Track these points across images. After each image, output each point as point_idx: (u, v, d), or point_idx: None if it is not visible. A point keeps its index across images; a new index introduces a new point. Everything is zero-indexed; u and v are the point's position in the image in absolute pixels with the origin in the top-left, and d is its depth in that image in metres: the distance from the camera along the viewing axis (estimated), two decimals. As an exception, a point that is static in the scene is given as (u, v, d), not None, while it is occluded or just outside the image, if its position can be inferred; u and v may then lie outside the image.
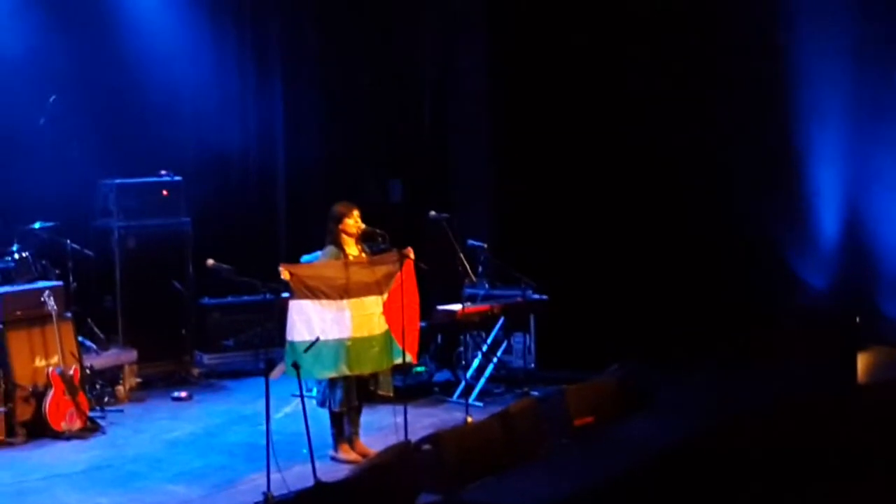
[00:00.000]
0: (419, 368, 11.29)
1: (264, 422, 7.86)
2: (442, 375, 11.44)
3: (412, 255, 8.91)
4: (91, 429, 9.81)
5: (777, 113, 11.50)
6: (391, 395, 9.02)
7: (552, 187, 12.05)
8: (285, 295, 8.69)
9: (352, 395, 8.78)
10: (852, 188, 11.32)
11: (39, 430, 9.62)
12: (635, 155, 11.85)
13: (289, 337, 8.45)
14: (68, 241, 10.76)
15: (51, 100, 10.84)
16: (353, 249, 8.94)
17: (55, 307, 9.80)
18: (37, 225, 10.57)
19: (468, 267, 10.31)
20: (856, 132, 11.27)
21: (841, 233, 11.38)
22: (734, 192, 11.54)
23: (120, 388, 10.85)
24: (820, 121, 11.38)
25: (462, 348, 11.32)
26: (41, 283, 10.14)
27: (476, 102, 12.87)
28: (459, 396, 10.56)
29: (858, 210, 11.29)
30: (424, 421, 9.84)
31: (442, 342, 11.42)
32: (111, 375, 10.84)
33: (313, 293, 8.49)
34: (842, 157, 11.33)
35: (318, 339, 8.39)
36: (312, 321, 8.47)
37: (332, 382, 8.72)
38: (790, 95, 11.46)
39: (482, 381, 10.81)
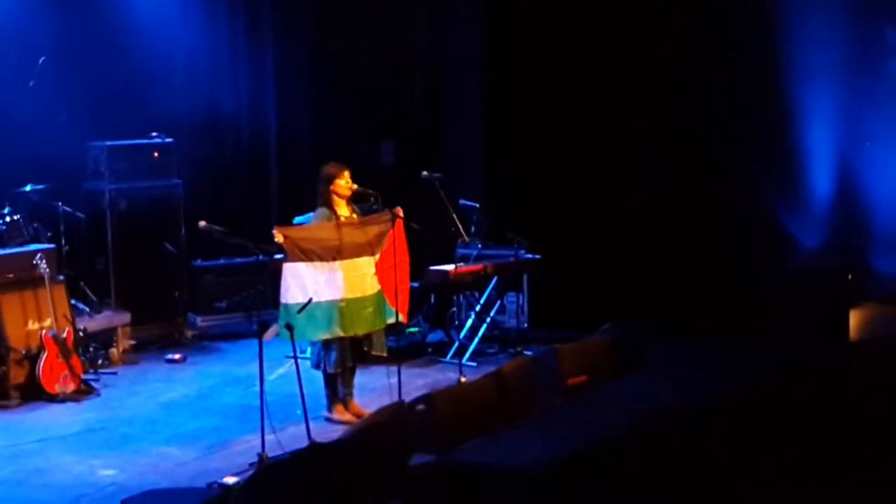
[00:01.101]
0: (412, 329, 11.31)
1: (258, 383, 7.89)
2: (435, 336, 11.47)
3: (402, 214, 8.90)
4: (85, 391, 9.84)
5: (768, 72, 11.46)
6: (384, 355, 9.05)
7: (545, 147, 12.03)
8: (277, 256, 8.68)
9: (346, 357, 8.81)
10: (844, 146, 11.31)
11: (33, 393, 9.64)
12: (628, 116, 11.82)
13: (283, 299, 8.46)
14: (60, 204, 10.75)
15: (40, 62, 10.79)
16: (343, 210, 8.93)
17: (47, 270, 9.80)
18: (28, 187, 10.56)
19: (461, 227, 10.32)
20: (847, 90, 11.23)
21: (833, 191, 11.37)
22: (726, 152, 11.51)
23: (113, 350, 10.87)
24: (811, 79, 11.34)
25: (455, 308, 11.36)
26: (33, 246, 10.14)
27: (468, 63, 12.82)
28: (453, 356, 10.60)
29: (850, 168, 11.27)
30: (418, 381, 9.89)
31: (435, 302, 11.44)
32: (104, 338, 10.86)
33: (307, 255, 8.49)
34: (834, 115, 11.31)
35: (310, 301, 8.40)
36: (306, 283, 8.47)
37: (326, 344, 8.74)
38: (781, 54, 11.41)
39: (475, 341, 10.83)
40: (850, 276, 10.75)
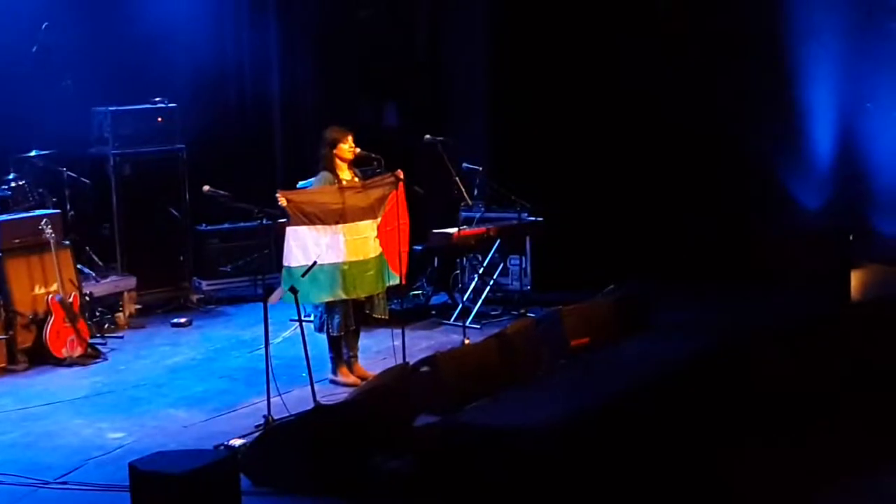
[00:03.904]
0: (416, 292, 11.36)
1: (263, 346, 7.94)
2: (439, 298, 11.51)
3: (402, 177, 8.93)
4: (92, 355, 9.91)
5: (770, 32, 11.45)
6: (386, 317, 9.11)
7: (548, 109, 12.03)
8: (282, 220, 8.72)
9: (349, 320, 8.85)
10: (846, 107, 11.31)
11: (41, 356, 9.71)
12: (631, 76, 11.82)
13: (285, 262, 8.50)
14: (64, 170, 10.77)
15: (43, 27, 10.79)
16: (346, 174, 8.96)
17: (53, 235, 9.84)
18: (33, 153, 10.58)
19: (464, 190, 10.34)
20: (849, 51, 11.23)
21: (835, 152, 11.38)
22: (728, 114, 11.52)
23: (120, 314, 10.93)
24: (813, 39, 11.33)
25: (458, 271, 11.40)
26: (39, 212, 10.17)
27: (471, 25, 12.80)
28: (456, 319, 10.64)
29: (852, 129, 11.28)
30: (422, 343, 9.93)
31: (438, 265, 11.47)
32: (111, 302, 10.91)
33: (310, 219, 8.53)
34: (835, 75, 11.30)
35: (314, 264, 8.44)
36: (309, 246, 8.51)
37: (329, 307, 8.79)
38: (783, 14, 11.41)
39: (479, 303, 10.89)
40: (851, 237, 10.78)
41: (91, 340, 10.01)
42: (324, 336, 8.94)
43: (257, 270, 11.27)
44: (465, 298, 10.94)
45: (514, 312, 10.94)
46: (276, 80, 12.95)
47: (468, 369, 8.02)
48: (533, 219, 11.17)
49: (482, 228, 11.00)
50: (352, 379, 8.91)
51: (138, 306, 11.22)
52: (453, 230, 10.78)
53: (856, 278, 10.39)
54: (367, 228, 8.80)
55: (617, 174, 11.83)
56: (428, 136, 10.14)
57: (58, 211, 10.35)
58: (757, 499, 6.52)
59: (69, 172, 10.81)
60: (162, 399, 8.80)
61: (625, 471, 6.56)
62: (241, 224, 11.76)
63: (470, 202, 10.79)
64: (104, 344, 10.18)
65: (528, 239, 11.41)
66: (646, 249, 11.41)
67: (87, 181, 11.13)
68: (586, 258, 11.32)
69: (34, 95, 10.73)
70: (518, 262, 11.47)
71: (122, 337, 10.51)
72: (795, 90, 11.45)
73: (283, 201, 8.44)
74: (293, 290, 8.22)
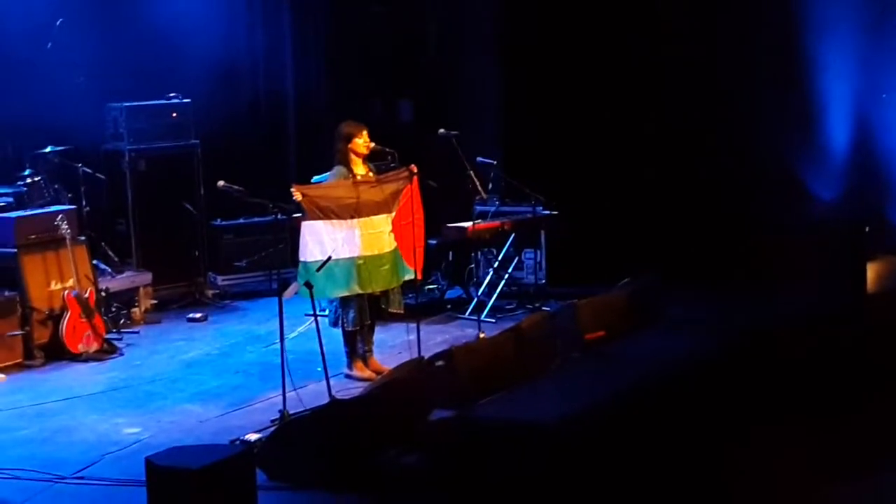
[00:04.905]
0: (431, 286, 11.37)
1: (279, 341, 7.95)
2: (454, 292, 11.51)
3: (416, 171, 8.92)
4: (108, 351, 9.93)
5: (785, 24, 11.42)
6: (402, 311, 9.11)
7: (562, 102, 12.02)
8: (296, 215, 8.73)
9: (364, 314, 8.86)
10: (861, 98, 11.28)
11: (57, 352, 9.74)
12: (644, 69, 11.81)
13: (301, 257, 8.51)
14: (80, 165, 10.80)
15: (57, 23, 10.82)
16: (360, 169, 8.96)
17: (69, 231, 9.87)
18: (48, 149, 10.62)
19: (478, 184, 10.33)
20: (864, 42, 11.20)
21: (850, 144, 11.35)
22: (743, 106, 11.50)
23: (135, 310, 10.95)
24: (828, 31, 11.31)
25: (473, 265, 11.39)
26: (54, 208, 10.20)
27: (484, 19, 12.79)
28: (471, 313, 10.64)
29: (867, 121, 11.25)
30: (437, 338, 9.94)
31: (453, 259, 11.47)
32: (126, 298, 10.93)
33: (325, 213, 8.53)
34: (850, 67, 11.28)
35: (329, 258, 8.45)
36: (324, 241, 8.52)
37: (344, 302, 8.79)
38: (797, 6, 11.38)
39: (494, 297, 10.88)
40: (867, 229, 10.75)
41: (107, 336, 10.04)
42: (339, 331, 8.94)
43: (272, 265, 11.34)
44: (479, 292, 10.94)
45: (529, 306, 10.93)
46: (289, 76, 12.97)
47: (483, 363, 8.03)
48: (548, 212, 11.15)
49: (497, 222, 11.00)
50: (367, 373, 8.92)
51: (154, 301, 11.25)
52: (468, 224, 10.77)
53: (872, 270, 10.38)
54: (382, 223, 8.80)
55: (632, 167, 11.81)
56: (442, 131, 10.14)
57: (73, 207, 10.38)
58: (768, 493, 6.52)
59: (84, 168, 10.84)
60: (178, 394, 8.82)
61: (639, 464, 6.57)
62: (256, 219, 11.78)
63: (484, 196, 10.79)
64: (120, 339, 10.21)
65: (542, 233, 11.40)
66: (660, 243, 11.39)
67: (103, 177, 11.17)
68: (601, 252, 11.31)
69: (49, 92, 10.77)
70: (533, 255, 11.46)
71: (137, 332, 10.54)
72: (810, 82, 11.42)
73: (297, 196, 8.44)
74: (308, 285, 8.22)
